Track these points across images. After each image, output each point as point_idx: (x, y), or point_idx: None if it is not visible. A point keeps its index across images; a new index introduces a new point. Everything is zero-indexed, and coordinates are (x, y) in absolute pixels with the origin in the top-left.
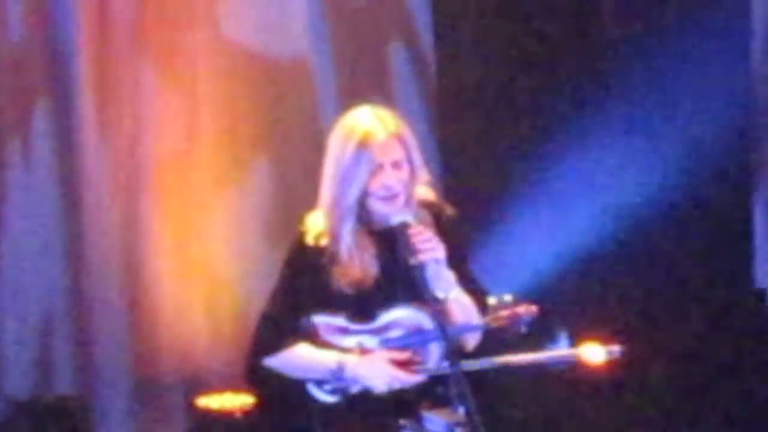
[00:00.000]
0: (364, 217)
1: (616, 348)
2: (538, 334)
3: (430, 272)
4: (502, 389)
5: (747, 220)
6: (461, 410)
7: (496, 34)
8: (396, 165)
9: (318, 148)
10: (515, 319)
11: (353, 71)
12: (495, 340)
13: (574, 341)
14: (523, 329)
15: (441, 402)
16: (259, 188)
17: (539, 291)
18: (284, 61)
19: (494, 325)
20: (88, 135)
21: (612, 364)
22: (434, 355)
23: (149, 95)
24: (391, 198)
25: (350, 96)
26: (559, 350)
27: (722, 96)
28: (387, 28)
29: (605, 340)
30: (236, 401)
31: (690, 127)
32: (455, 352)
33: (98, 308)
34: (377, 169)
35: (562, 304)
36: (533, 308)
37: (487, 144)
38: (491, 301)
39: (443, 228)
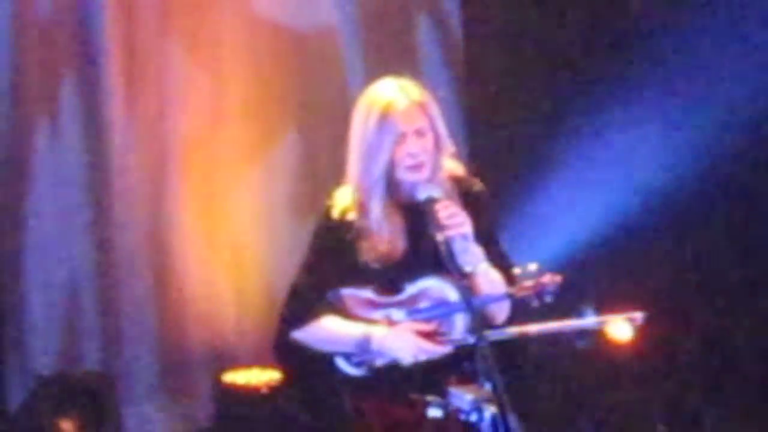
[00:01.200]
0: (391, 189)
1: (638, 315)
2: (565, 308)
3: (458, 247)
4: (528, 365)
5: None
6: (488, 386)
7: (523, 4)
8: (419, 133)
9: (346, 121)
10: (540, 288)
11: (380, 44)
12: (522, 311)
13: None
14: (549, 299)
15: (468, 378)
16: (286, 162)
17: (567, 266)
18: (311, 34)
19: (519, 294)
20: (116, 111)
21: (638, 337)
22: (460, 327)
23: (176, 71)
24: (416, 167)
25: (378, 68)
26: (582, 321)
27: (755, 74)
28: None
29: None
30: (263, 377)
31: (720, 105)
32: (481, 323)
33: (125, 285)
34: (400, 138)
35: (590, 280)
36: (558, 277)
37: (514, 115)
38: (516, 270)
39: (471, 202)
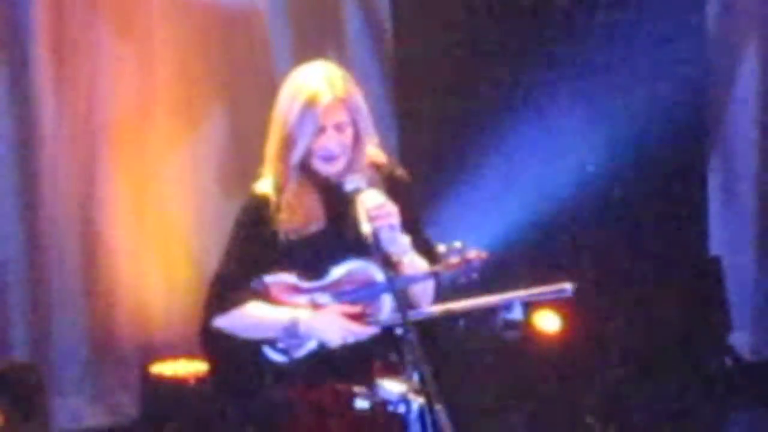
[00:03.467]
0: (308, 171)
1: (567, 287)
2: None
3: (385, 237)
4: (456, 357)
5: (703, 188)
6: (415, 377)
7: None
8: (338, 128)
9: (271, 98)
10: (465, 264)
11: (307, 25)
12: (447, 292)
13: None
14: (474, 275)
15: (395, 369)
16: (214, 142)
17: (494, 254)
18: (239, 15)
19: (445, 271)
20: (45, 96)
21: (565, 328)
22: (386, 308)
23: (104, 49)
24: (330, 159)
25: (304, 50)
26: (507, 295)
27: (679, 64)
28: None
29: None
30: (190, 368)
31: (646, 96)
32: (405, 305)
33: (54, 276)
34: (319, 130)
35: (517, 268)
36: (483, 253)
37: (443, 103)
38: (441, 248)
39: (395, 190)
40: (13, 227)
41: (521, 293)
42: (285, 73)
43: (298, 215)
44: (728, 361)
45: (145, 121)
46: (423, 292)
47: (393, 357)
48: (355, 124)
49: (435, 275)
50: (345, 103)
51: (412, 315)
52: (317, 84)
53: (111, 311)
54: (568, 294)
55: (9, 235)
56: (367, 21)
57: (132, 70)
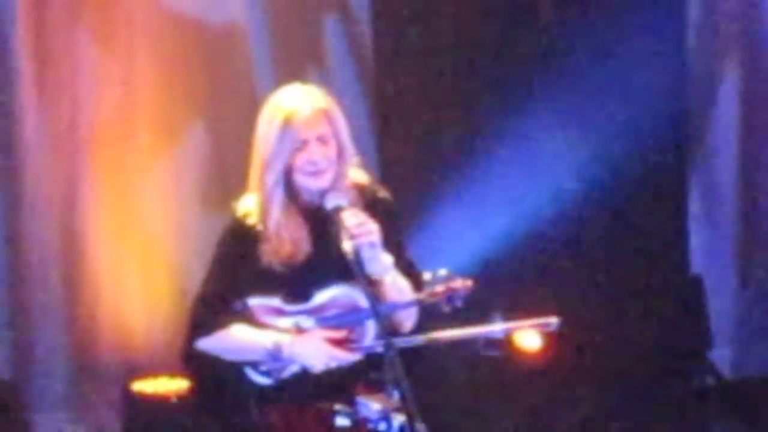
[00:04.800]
0: (293, 194)
1: (553, 321)
2: (474, 316)
3: (366, 255)
4: (437, 375)
5: (684, 207)
6: (396, 395)
7: (435, 12)
8: (322, 140)
9: (253, 116)
10: (451, 293)
11: (289, 42)
12: (431, 317)
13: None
14: (459, 303)
15: (376, 387)
16: (195, 157)
17: (476, 275)
18: (220, 29)
19: (430, 300)
20: (27, 103)
21: (546, 347)
22: (370, 334)
23: (86, 63)
24: (317, 173)
25: (286, 68)
26: (492, 326)
27: (658, 82)
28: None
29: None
30: (171, 385)
31: (628, 111)
32: (389, 330)
33: (36, 292)
34: (302, 144)
35: (499, 288)
36: (469, 282)
37: (424, 120)
38: (426, 276)
39: (377, 210)
40: None
41: (506, 325)
42: (266, 91)
43: (284, 247)
44: (709, 379)
45: (126, 136)
46: (406, 316)
47: (374, 375)
48: (337, 138)
49: (419, 302)
50: (326, 114)
51: (397, 342)
52: (296, 99)
53: (93, 328)
54: (553, 328)
55: None
56: (348, 40)
57: (114, 85)
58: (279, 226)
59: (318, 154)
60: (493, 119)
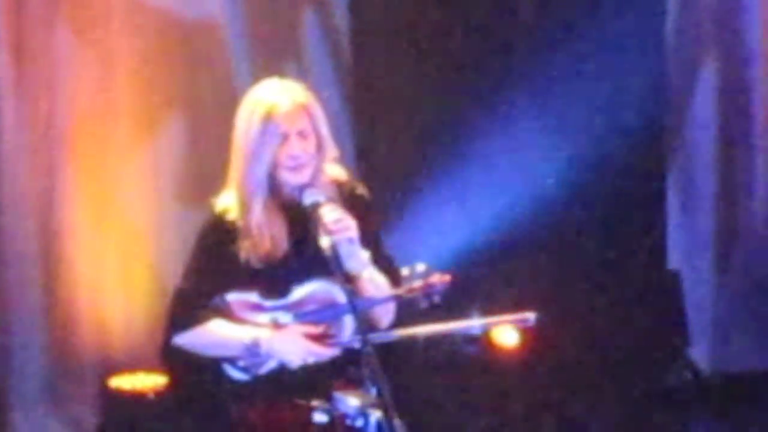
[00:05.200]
0: (273, 190)
1: (530, 317)
2: (451, 312)
3: (344, 251)
4: (415, 371)
5: (662, 202)
6: (373, 391)
7: (414, 6)
8: (301, 135)
9: (231, 111)
10: (429, 288)
11: (266, 38)
12: (408, 313)
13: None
14: (437, 299)
15: (353, 383)
16: (174, 150)
17: (454, 269)
18: (198, 23)
19: (408, 295)
20: (4, 98)
21: (524, 342)
22: (348, 329)
23: (64, 57)
24: (297, 168)
25: (263, 62)
26: (470, 322)
27: (637, 77)
28: None
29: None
30: (149, 382)
31: (605, 105)
32: (366, 325)
33: (13, 288)
34: (283, 139)
35: (476, 283)
36: (446, 277)
37: (402, 115)
38: (404, 271)
39: (355, 206)
40: None
41: (484, 321)
42: (244, 85)
43: (264, 244)
44: (687, 375)
45: (104, 131)
46: (384, 311)
47: (351, 370)
48: (317, 132)
49: (397, 298)
50: (306, 109)
51: (374, 338)
52: (275, 96)
53: (71, 324)
54: (531, 323)
55: None
56: (325, 34)
57: (92, 78)
58: (259, 223)
59: (298, 149)
60: (473, 114)
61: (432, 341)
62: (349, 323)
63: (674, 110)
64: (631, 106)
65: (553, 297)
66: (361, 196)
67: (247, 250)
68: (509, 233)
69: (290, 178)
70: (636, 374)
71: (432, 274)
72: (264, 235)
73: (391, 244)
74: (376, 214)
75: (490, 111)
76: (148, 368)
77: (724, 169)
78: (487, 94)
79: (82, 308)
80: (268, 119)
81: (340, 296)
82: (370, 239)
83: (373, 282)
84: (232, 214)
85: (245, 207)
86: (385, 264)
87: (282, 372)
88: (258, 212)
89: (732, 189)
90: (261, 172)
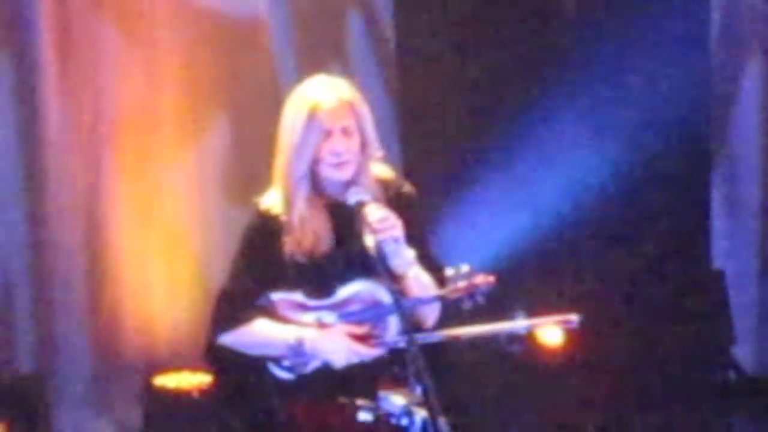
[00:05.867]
0: (317, 187)
1: (574, 318)
2: (496, 311)
3: (389, 250)
4: (459, 370)
5: (706, 202)
6: (418, 390)
7: (458, 7)
8: (346, 132)
9: (276, 108)
10: (473, 289)
11: (311, 38)
12: (453, 314)
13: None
14: (481, 300)
15: (398, 382)
16: (218, 150)
17: (498, 269)
18: (243, 21)
19: (452, 296)
20: (50, 94)
21: (568, 341)
22: (392, 330)
23: (110, 55)
24: (340, 165)
25: (308, 61)
26: (514, 323)
27: (682, 76)
28: None
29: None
30: (193, 380)
31: (650, 107)
32: (411, 325)
33: (59, 286)
34: (326, 135)
35: (521, 283)
36: (491, 278)
37: (447, 115)
38: (448, 272)
39: (401, 205)
40: (18, 237)
41: (528, 322)
42: (288, 83)
43: (307, 239)
44: (731, 375)
45: (149, 128)
46: (429, 311)
47: (396, 369)
48: (361, 130)
49: (441, 298)
50: (351, 106)
51: (419, 339)
52: (321, 92)
53: (115, 322)
54: (574, 325)
55: (14, 246)
56: (370, 34)
57: (137, 77)
58: (303, 217)
59: (341, 145)
60: (517, 114)
61: (477, 341)
62: (393, 323)
63: (719, 112)
64: (676, 108)
65: (598, 297)
66: (406, 195)
67: (290, 246)
68: (554, 234)
69: (333, 175)
70: (680, 373)
71: (476, 275)
72: (307, 230)
73: (436, 244)
74: (422, 213)
75: (535, 113)
76: (193, 367)
77: None
78: (532, 95)
79: (127, 307)
80: (312, 114)
81: (384, 296)
82: (415, 238)
83: (418, 281)
84: (276, 210)
85: (288, 202)
86: (430, 264)
87: (327, 371)
88: (301, 207)
89: None
90: (303, 166)
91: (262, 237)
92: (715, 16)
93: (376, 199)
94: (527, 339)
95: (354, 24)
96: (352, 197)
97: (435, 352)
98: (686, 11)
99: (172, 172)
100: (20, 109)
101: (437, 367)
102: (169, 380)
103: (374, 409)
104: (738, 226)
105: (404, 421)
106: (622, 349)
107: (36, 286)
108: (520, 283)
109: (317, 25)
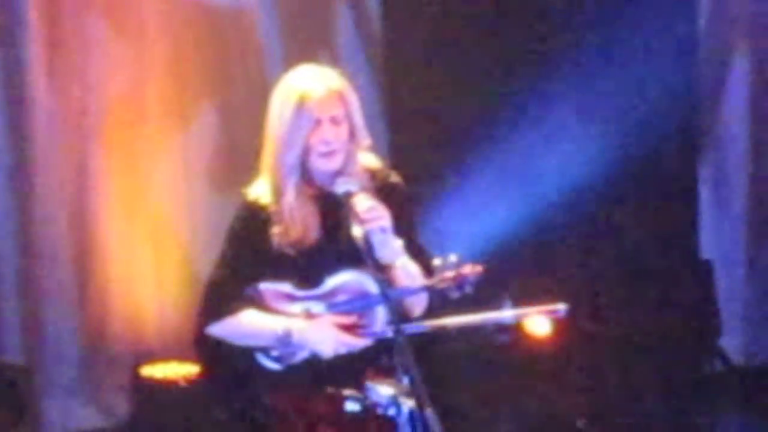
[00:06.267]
0: (306, 177)
1: (561, 308)
2: (483, 301)
3: (377, 240)
4: (446, 360)
5: (693, 193)
6: (406, 380)
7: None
8: (334, 121)
9: (262, 98)
10: (461, 279)
11: (298, 25)
12: (440, 304)
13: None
14: (469, 289)
15: (386, 372)
16: (206, 141)
17: (486, 259)
18: (230, 11)
19: (440, 285)
20: (38, 84)
21: (556, 334)
22: (380, 320)
23: (96, 46)
24: (329, 154)
25: (295, 51)
26: (501, 313)
27: (668, 71)
28: None
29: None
30: (181, 370)
31: (637, 100)
32: (399, 315)
33: (46, 276)
34: (315, 124)
35: (508, 274)
36: (478, 268)
37: (434, 103)
38: (436, 261)
39: (388, 195)
40: (4, 229)
41: (515, 312)
42: (276, 73)
43: (295, 229)
44: (719, 365)
45: (137, 118)
46: (416, 302)
47: (384, 360)
48: (350, 119)
49: (429, 288)
50: (340, 95)
51: (406, 329)
52: (310, 81)
53: (103, 312)
54: (562, 314)
55: (0, 237)
56: (357, 23)
57: (124, 68)
58: (291, 208)
59: (330, 134)
60: (504, 104)
61: (464, 331)
62: (381, 313)
63: (707, 104)
64: (665, 103)
65: (585, 287)
66: (394, 185)
67: (279, 236)
68: (542, 224)
69: (322, 165)
70: (667, 364)
71: (464, 264)
72: (296, 220)
73: (423, 234)
74: (410, 203)
75: (525, 103)
76: (180, 357)
77: (756, 158)
78: (522, 87)
79: (114, 297)
80: (301, 104)
81: (372, 286)
82: (403, 228)
83: (406, 271)
84: (265, 200)
85: (277, 192)
86: (418, 253)
87: (314, 362)
88: (290, 197)
89: (763, 181)
90: (293, 156)
91: (250, 227)
92: (703, 15)
93: (363, 189)
94: (515, 329)
95: (341, 13)
96: (340, 187)
97: (423, 343)
98: (674, 9)
99: (160, 162)
100: (8, 104)
101: (424, 358)
102: (156, 370)
103: (362, 399)
104: (726, 216)
105: (391, 412)
106: (609, 341)
107: (23, 276)
108: (507, 273)
109: (305, 15)
